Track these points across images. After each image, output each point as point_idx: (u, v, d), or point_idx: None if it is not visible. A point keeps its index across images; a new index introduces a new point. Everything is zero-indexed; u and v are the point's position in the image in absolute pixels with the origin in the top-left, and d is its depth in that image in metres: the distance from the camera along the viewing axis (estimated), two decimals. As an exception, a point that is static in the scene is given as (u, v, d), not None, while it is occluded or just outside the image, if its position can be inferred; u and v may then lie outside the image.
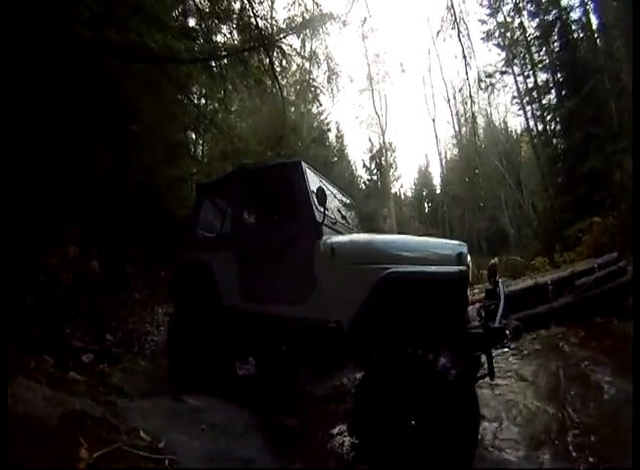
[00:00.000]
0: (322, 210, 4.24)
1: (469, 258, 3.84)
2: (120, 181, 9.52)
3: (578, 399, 4.76)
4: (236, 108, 17.05)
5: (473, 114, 23.97)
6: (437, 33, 15.33)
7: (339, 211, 5.41)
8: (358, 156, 58.64)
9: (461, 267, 3.66)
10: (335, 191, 5.68)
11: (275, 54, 10.96)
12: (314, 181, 4.80)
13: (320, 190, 4.21)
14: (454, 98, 34.49)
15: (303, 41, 17.54)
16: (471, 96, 22.22)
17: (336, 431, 4.48)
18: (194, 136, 16.29)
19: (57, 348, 5.80)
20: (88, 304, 7.59)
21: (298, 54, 14.86)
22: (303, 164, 4.78)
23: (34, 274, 6.78)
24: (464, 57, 19.02)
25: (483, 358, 3.94)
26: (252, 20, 10.31)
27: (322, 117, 31.16)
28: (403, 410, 3.38)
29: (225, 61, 9.83)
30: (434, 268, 3.74)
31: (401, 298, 3.75)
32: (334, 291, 4.10)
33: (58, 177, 7.79)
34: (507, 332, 3.76)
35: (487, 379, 3.93)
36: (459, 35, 16.43)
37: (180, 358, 5.35)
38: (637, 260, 5.45)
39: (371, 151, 38.21)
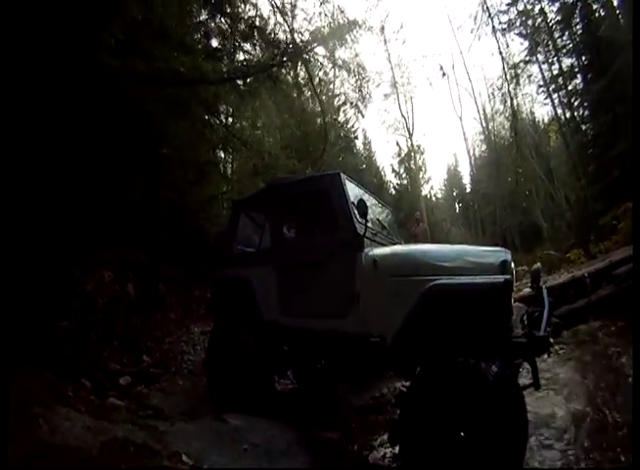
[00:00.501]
0: (363, 221, 4.20)
1: (512, 265, 3.79)
2: (153, 204, 9.64)
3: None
4: (263, 123, 17.14)
5: (513, 110, 23.53)
6: (472, 31, 15.17)
7: (378, 221, 5.37)
8: (387, 161, 58.47)
9: (506, 276, 3.60)
10: (374, 201, 5.64)
11: (305, 65, 11.01)
12: (354, 192, 4.80)
13: (361, 202, 4.16)
14: (479, 95, 34.19)
15: (332, 51, 17.65)
16: (510, 92, 21.94)
17: (377, 443, 4.46)
18: (223, 155, 16.38)
19: (94, 371, 5.89)
20: (124, 326, 7.74)
21: (332, 63, 14.82)
22: (342, 176, 4.76)
23: (70, 301, 6.90)
24: (500, 53, 18.85)
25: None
26: (280, 34, 10.39)
27: (349, 126, 31.16)
28: (452, 421, 3.32)
29: (253, 78, 9.85)
30: (478, 279, 3.69)
31: (445, 310, 3.69)
32: (376, 305, 4.06)
33: (93, 204, 7.92)
34: (551, 340, 3.69)
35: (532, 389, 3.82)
36: (494, 30, 16.28)
37: (219, 374, 5.37)
38: (637, 260, 5.30)
39: (399, 155, 37.99)
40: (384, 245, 4.71)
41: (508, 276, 3.60)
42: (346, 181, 4.75)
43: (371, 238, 4.51)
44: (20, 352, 4.70)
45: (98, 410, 4.09)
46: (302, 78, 12.04)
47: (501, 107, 31.71)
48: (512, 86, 25.34)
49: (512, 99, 22.64)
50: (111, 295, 7.89)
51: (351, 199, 4.51)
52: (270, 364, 5.10)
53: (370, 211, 4.64)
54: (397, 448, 3.72)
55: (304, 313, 4.72)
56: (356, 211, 4.29)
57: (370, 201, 5.23)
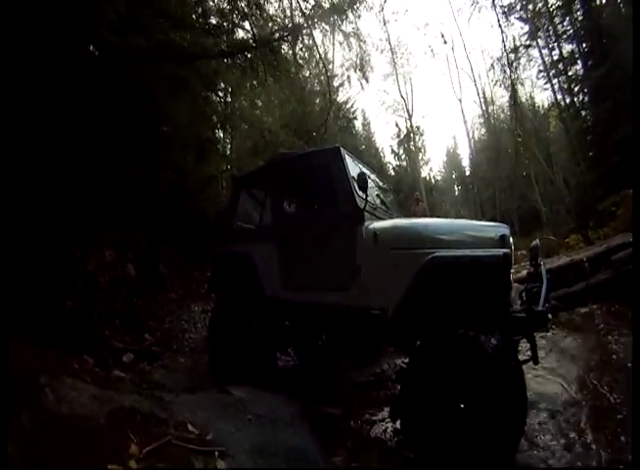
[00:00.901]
0: (363, 195, 4.22)
1: (511, 239, 3.83)
2: (153, 184, 9.64)
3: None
4: (263, 101, 17.10)
5: (512, 83, 23.40)
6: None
7: (378, 196, 5.40)
8: (386, 142, 58.38)
9: (504, 250, 3.64)
10: (373, 177, 5.65)
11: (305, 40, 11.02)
12: (354, 167, 4.81)
13: (361, 175, 4.19)
14: (479, 77, 34.08)
15: (333, 27, 17.60)
16: (509, 64, 21.85)
17: (378, 418, 4.52)
18: (222, 134, 16.30)
19: (97, 349, 5.93)
20: (126, 306, 7.76)
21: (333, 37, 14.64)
22: (342, 150, 4.77)
23: (72, 280, 6.93)
24: (499, 26, 18.76)
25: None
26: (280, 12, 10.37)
27: (348, 106, 31.02)
28: (453, 393, 3.39)
29: (254, 53, 9.80)
30: (477, 252, 3.73)
31: (446, 282, 3.74)
32: (377, 277, 4.09)
33: (93, 185, 7.92)
34: (549, 315, 3.76)
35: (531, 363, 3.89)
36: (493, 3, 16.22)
37: (221, 350, 5.41)
38: (637, 248, 5.35)
39: (398, 136, 37.80)
40: (384, 219, 4.71)
41: (507, 250, 3.64)
42: (346, 156, 4.77)
43: (371, 212, 4.54)
44: (25, 332, 4.75)
45: (103, 381, 4.13)
46: (302, 56, 11.98)
47: (501, 89, 31.60)
48: (512, 58, 25.22)
49: (511, 71, 22.41)
50: (112, 275, 7.91)
51: (351, 173, 4.53)
52: (272, 340, 5.12)
53: (370, 186, 4.70)
54: (398, 423, 3.80)
55: (306, 287, 4.75)
56: (356, 185, 4.32)
57: (370, 176, 5.26)
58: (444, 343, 3.48)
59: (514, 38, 24.87)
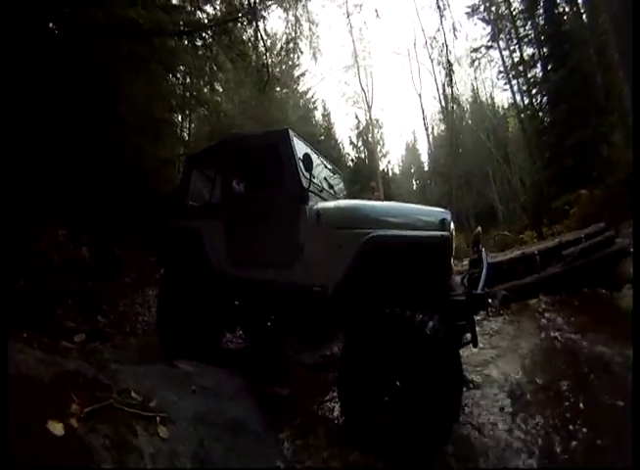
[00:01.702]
0: (308, 175, 4.28)
1: (452, 225, 3.88)
2: (110, 165, 9.50)
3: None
4: (223, 87, 17.03)
5: (449, 62, 23.70)
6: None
7: (326, 180, 5.45)
8: (345, 133, 58.69)
9: (443, 233, 3.71)
10: (323, 161, 5.71)
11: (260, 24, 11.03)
12: (301, 148, 4.83)
13: (306, 156, 4.24)
14: (440, 73, 34.39)
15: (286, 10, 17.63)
16: (446, 44, 22.13)
17: (326, 398, 4.53)
18: (180, 118, 16.14)
19: (49, 328, 5.84)
20: (79, 287, 7.64)
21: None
22: (291, 132, 4.79)
23: (26, 258, 6.82)
24: (438, 6, 19.17)
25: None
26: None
27: (308, 96, 31.11)
28: (389, 371, 3.45)
29: (210, 33, 9.75)
30: (415, 233, 3.79)
31: (384, 262, 3.81)
32: (319, 255, 4.16)
33: (48, 164, 7.77)
34: (489, 299, 3.93)
35: (471, 346, 4.01)
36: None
37: (170, 324, 5.44)
38: (637, 248, 5.50)
39: (358, 128, 38.14)
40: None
41: (446, 233, 3.71)
42: (294, 138, 4.80)
43: (317, 193, 4.64)
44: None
45: (50, 349, 4.10)
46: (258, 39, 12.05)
47: (461, 86, 32.08)
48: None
49: (448, 51, 22.69)
50: (65, 254, 7.82)
51: (298, 155, 4.57)
52: (219, 315, 5.15)
53: (319, 170, 4.95)
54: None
55: (252, 264, 4.82)
56: (302, 166, 4.36)
57: (319, 161, 5.50)
58: (382, 321, 3.52)
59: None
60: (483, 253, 4.57)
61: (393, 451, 3.34)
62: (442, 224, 3.79)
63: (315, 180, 4.65)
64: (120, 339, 6.63)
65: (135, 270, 9.89)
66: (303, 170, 4.35)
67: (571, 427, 3.57)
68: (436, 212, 4.04)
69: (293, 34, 21.66)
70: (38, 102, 7.12)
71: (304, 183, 4.35)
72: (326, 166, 5.81)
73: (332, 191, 5.43)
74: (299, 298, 4.28)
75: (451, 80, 23.53)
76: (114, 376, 2.95)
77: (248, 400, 3.77)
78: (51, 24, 7.12)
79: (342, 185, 6.18)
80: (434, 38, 25.82)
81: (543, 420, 3.75)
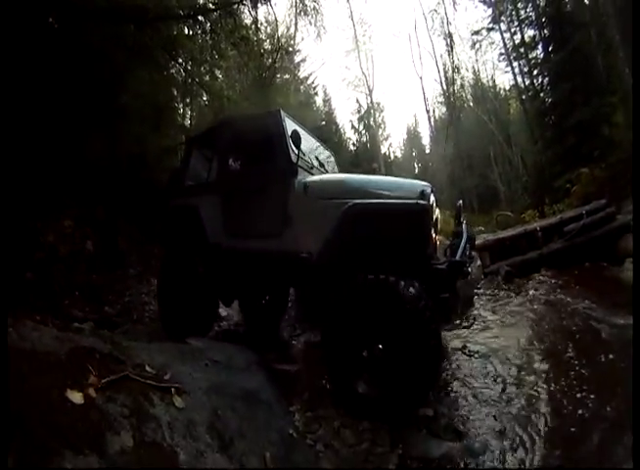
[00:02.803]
0: (297, 151, 4.56)
1: (432, 197, 4.08)
2: (112, 157, 9.52)
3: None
4: (223, 72, 17.00)
5: (450, 34, 23.69)
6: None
7: (317, 158, 5.72)
8: (346, 118, 58.52)
9: (419, 201, 3.87)
10: (314, 141, 6.03)
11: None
12: (292, 127, 4.99)
13: (294, 133, 4.44)
14: (441, 56, 34.18)
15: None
16: (447, 16, 22.20)
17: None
18: (182, 106, 16.11)
19: (57, 317, 5.91)
20: (85, 279, 7.72)
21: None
22: (282, 112, 5.06)
23: (32, 251, 6.91)
24: None
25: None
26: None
27: (309, 82, 31.00)
28: (370, 334, 3.68)
29: (215, 15, 9.75)
30: (393, 201, 4.03)
31: (364, 229, 4.02)
32: (305, 225, 4.46)
33: (51, 158, 7.81)
34: (467, 266, 4.23)
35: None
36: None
37: (170, 300, 5.67)
38: (637, 248, 5.56)
39: (359, 111, 37.96)
40: None
41: (422, 202, 3.87)
42: (286, 118, 5.06)
43: (306, 169, 4.90)
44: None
45: (64, 329, 4.18)
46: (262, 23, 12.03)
47: (462, 69, 31.95)
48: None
49: (449, 23, 22.78)
50: (71, 247, 7.90)
51: (288, 133, 4.72)
52: (216, 286, 5.42)
53: (310, 148, 5.34)
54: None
55: (245, 235, 5.07)
56: (291, 142, 4.57)
57: (311, 141, 5.89)
58: (364, 286, 3.72)
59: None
60: (464, 224, 4.90)
61: (373, 412, 3.57)
62: (422, 195, 3.95)
63: (305, 158, 4.97)
64: (128, 326, 6.71)
65: (139, 261, 9.93)
66: (292, 146, 4.60)
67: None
68: (417, 184, 4.23)
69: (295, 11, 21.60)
70: (39, 95, 7.15)
71: (293, 158, 4.61)
72: (317, 146, 6.09)
73: (322, 169, 5.67)
74: (288, 264, 4.55)
75: (452, 49, 23.56)
76: (127, 352, 3.02)
77: (259, 373, 3.87)
78: (52, 15, 7.09)
79: (333, 164, 6.47)
80: (435, 10, 25.87)
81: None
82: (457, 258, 4.06)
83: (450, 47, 23.66)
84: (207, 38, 10.31)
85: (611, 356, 4.11)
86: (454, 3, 22.15)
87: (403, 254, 3.96)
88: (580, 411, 3.43)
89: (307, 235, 4.40)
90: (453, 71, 28.24)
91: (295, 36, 24.33)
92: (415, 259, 3.96)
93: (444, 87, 34.79)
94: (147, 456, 2.10)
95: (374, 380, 3.62)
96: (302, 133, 5.00)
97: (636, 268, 5.24)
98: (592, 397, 3.57)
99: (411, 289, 3.53)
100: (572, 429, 3.23)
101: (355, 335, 3.72)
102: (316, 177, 4.80)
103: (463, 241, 4.40)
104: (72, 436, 1.93)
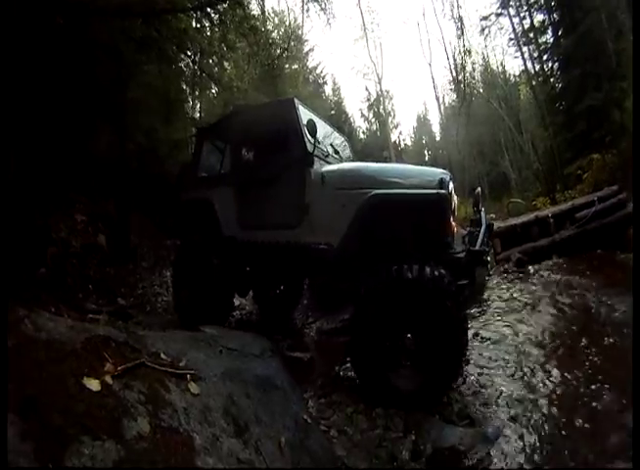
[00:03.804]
0: (313, 140, 4.49)
1: (451, 185, 4.02)
2: (121, 152, 9.56)
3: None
4: (232, 63, 17.01)
5: (460, 17, 23.62)
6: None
7: (332, 146, 5.61)
8: (356, 106, 58.32)
9: (440, 191, 3.84)
10: (329, 128, 5.91)
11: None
12: (306, 116, 4.93)
13: (310, 121, 4.39)
14: (450, 43, 33.99)
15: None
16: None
17: (347, 361, 4.65)
18: (191, 99, 16.14)
19: (72, 309, 5.96)
20: (98, 273, 7.79)
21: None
22: (296, 100, 5.00)
23: (45, 246, 6.97)
24: None
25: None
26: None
27: (318, 71, 30.95)
28: (399, 324, 3.69)
29: (225, 5, 9.74)
30: (413, 191, 3.97)
31: (384, 219, 4.01)
32: (324, 216, 4.40)
33: (62, 154, 7.86)
34: (486, 255, 4.30)
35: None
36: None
37: (185, 291, 5.69)
38: (637, 243, 5.54)
39: (368, 100, 38.08)
40: None
41: (442, 191, 3.84)
42: (300, 106, 4.99)
43: (322, 158, 4.81)
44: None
45: (78, 319, 4.22)
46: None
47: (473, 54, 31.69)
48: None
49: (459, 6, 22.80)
50: (84, 241, 7.97)
51: (303, 122, 4.69)
52: (231, 279, 5.43)
53: (325, 137, 5.22)
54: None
55: (260, 227, 5.04)
56: (307, 131, 4.50)
57: (326, 128, 5.74)
58: (388, 275, 3.69)
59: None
60: (483, 212, 4.83)
61: (405, 402, 3.56)
62: (441, 184, 3.91)
63: (321, 146, 4.86)
64: (142, 317, 6.76)
65: (151, 254, 10.00)
66: (308, 135, 4.53)
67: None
68: (435, 173, 4.21)
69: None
70: (49, 92, 7.18)
71: (309, 147, 4.54)
72: (333, 134, 5.98)
73: (338, 157, 5.57)
74: (306, 255, 4.51)
75: (462, 33, 23.47)
76: (142, 340, 3.05)
77: (273, 360, 3.89)
78: (58, 13, 7.10)
79: (349, 151, 6.35)
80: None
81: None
82: (477, 247, 4.04)
83: (461, 30, 23.49)
84: (216, 30, 10.27)
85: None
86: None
87: (423, 243, 3.96)
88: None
89: (326, 226, 4.37)
90: (465, 54, 27.98)
91: (303, 25, 24.19)
92: (434, 248, 3.95)
93: (454, 74, 34.60)
94: (163, 441, 2.13)
95: (407, 370, 3.65)
96: (316, 120, 4.95)
97: (636, 265, 5.25)
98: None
99: (445, 279, 3.53)
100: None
101: (388, 326, 3.70)
102: (333, 166, 4.73)
103: (482, 229, 4.36)
104: (90, 422, 1.95)
